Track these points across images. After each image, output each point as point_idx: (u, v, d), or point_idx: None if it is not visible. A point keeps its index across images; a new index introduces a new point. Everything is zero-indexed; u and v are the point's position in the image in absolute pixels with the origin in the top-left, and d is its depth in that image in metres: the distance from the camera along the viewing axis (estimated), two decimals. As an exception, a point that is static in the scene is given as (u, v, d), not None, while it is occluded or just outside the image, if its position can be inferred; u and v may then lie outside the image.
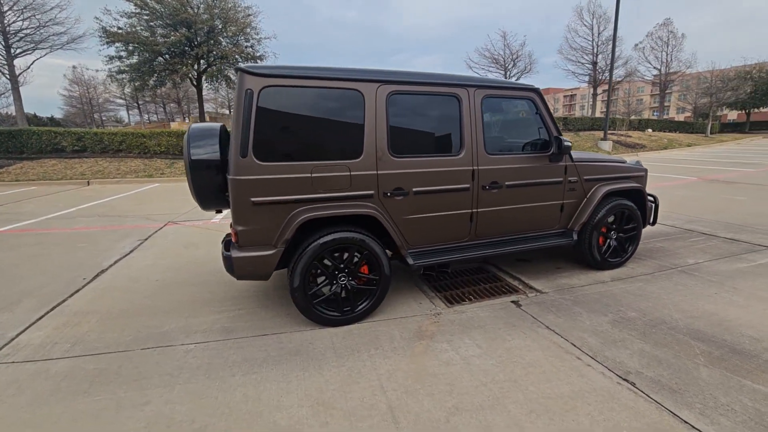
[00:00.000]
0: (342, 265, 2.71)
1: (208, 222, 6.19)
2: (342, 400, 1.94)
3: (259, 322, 2.81)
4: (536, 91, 3.24)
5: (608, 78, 15.92)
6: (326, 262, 2.68)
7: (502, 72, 24.76)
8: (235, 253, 2.51)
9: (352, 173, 2.65)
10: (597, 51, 25.36)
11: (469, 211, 3.08)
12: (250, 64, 2.43)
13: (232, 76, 18.21)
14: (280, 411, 1.88)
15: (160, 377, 2.16)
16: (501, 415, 1.82)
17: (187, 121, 44.41)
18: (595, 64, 25.34)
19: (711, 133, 29.87)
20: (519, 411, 1.84)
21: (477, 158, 3.00)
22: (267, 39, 18.35)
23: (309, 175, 2.56)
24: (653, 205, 3.89)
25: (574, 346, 2.41)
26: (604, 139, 17.24)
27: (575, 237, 3.47)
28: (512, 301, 3.12)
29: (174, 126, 35.81)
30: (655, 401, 1.86)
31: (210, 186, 2.89)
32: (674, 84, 32.08)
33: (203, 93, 19.32)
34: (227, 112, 43.67)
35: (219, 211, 3.56)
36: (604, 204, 3.53)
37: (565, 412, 1.82)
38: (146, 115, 51.01)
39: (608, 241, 3.68)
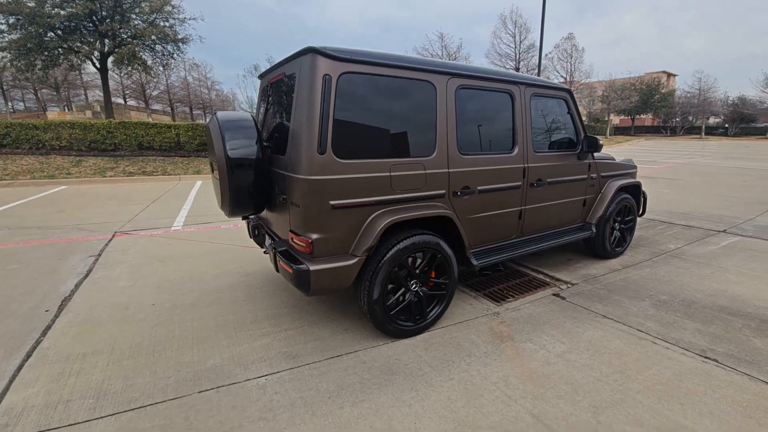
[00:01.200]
0: (417, 271, 2.57)
1: (168, 231, 5.37)
2: (481, 416, 1.85)
3: (320, 342, 2.53)
4: (569, 91, 3.46)
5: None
6: (401, 268, 2.52)
7: None
8: (314, 266, 2.21)
9: (426, 171, 2.53)
10: (519, 58, 28.12)
11: (519, 208, 3.16)
12: (322, 45, 2.09)
13: (149, 59, 15.99)
14: (423, 439, 1.71)
15: (254, 424, 1.80)
16: (637, 406, 1.91)
17: (68, 110, 37.41)
18: (517, 69, 28.02)
19: (608, 135, 35.65)
20: (649, 400, 1.95)
21: (527, 156, 3.10)
22: (192, 20, 16.50)
23: (388, 174, 2.37)
24: (644, 198, 4.46)
25: (640, 331, 2.64)
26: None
27: (594, 230, 3.80)
28: (553, 294, 3.29)
29: (51, 116, 30.05)
30: (745, 374, 2.14)
31: (250, 188, 2.52)
32: (577, 92, 37.27)
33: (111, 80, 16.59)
34: (122, 101, 38.17)
35: (247, 218, 3.12)
36: (615, 198, 3.93)
37: (685, 394, 1.98)
38: (10, 103, 41.69)
39: (614, 232, 4.11)
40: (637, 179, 4.37)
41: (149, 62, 16.37)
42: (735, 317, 2.79)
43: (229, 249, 4.53)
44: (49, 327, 2.71)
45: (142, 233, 5.23)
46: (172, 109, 41.73)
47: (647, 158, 16.73)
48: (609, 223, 3.92)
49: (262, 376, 2.16)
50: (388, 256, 2.37)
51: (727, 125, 46.61)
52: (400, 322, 2.54)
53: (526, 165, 3.09)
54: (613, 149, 23.69)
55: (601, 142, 3.46)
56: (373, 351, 2.43)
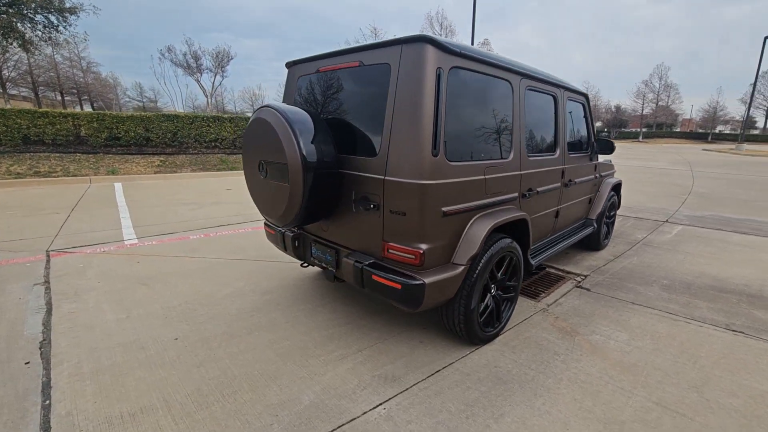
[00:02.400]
0: (499, 275, 2.60)
1: (124, 246, 4.52)
2: (616, 412, 1.96)
3: (407, 359, 2.40)
4: (586, 95, 3.83)
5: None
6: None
7: None
8: (428, 279, 2.07)
9: (506, 174, 2.57)
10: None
11: (557, 208, 3.41)
12: (423, 34, 1.90)
13: (27, 32, 13.04)
14: (583, 443, 1.76)
15: (413, 460, 1.63)
16: (721, 380, 2.22)
17: None
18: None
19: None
20: (725, 373, 2.28)
21: (564, 157, 3.35)
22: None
23: (483, 177, 2.35)
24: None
25: (669, 313, 3.06)
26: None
27: (595, 225, 4.27)
28: (577, 287, 3.63)
29: None
30: (770, 340, 2.64)
31: (324, 194, 2.28)
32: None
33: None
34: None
35: (296, 229, 2.79)
36: (609, 196, 4.47)
37: (744, 364, 2.37)
38: None
39: (604, 226, 4.68)
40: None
41: (28, 35, 13.30)
42: (728, 294, 3.42)
43: (222, 264, 3.98)
44: (47, 385, 2.07)
45: (87, 250, 4.29)
46: (36, 95, 34.34)
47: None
48: (603, 218, 4.45)
49: (378, 406, 1.97)
50: (484, 262, 2.35)
51: (606, 129, 56.26)
52: (486, 329, 2.54)
53: (563, 166, 3.34)
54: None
55: (613, 143, 3.91)
56: (466, 361, 2.39)
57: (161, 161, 11.29)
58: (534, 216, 2.98)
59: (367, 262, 2.26)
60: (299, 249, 2.87)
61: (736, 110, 58.86)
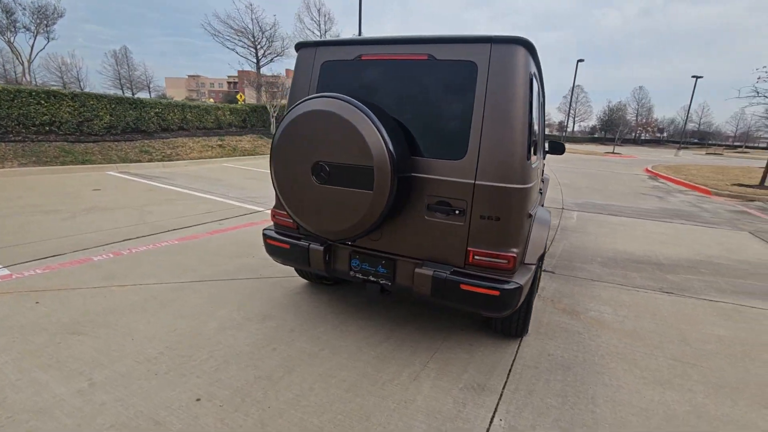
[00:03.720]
0: None
1: (11, 276, 3.16)
2: (659, 373, 2.40)
3: (473, 364, 2.41)
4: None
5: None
6: None
7: (253, 48, 23.83)
8: (521, 280, 2.10)
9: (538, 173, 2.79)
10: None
11: (539, 202, 3.86)
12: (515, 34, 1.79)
13: None
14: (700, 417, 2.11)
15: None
16: (706, 331, 2.93)
17: None
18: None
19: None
20: (704, 326, 3.02)
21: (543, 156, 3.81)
22: None
23: (538, 178, 2.50)
24: None
25: (622, 285, 3.85)
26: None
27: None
28: (544, 271, 4.22)
29: None
30: (701, 298, 3.60)
31: (402, 203, 2.12)
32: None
33: None
34: None
35: (351, 241, 2.44)
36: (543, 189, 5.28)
37: (705, 318, 3.18)
38: None
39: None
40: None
41: None
42: (643, 264, 4.48)
43: (174, 289, 3.18)
44: None
45: None
46: None
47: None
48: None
49: (493, 419, 1.94)
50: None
51: None
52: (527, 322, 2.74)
53: (543, 164, 3.79)
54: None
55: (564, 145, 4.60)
56: (524, 355, 2.54)
57: (-37, 152, 8.04)
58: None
59: (449, 272, 2.16)
60: (329, 264, 2.53)
61: (555, 116, 75.98)
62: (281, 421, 1.85)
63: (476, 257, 2.14)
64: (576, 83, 35.01)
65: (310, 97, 2.07)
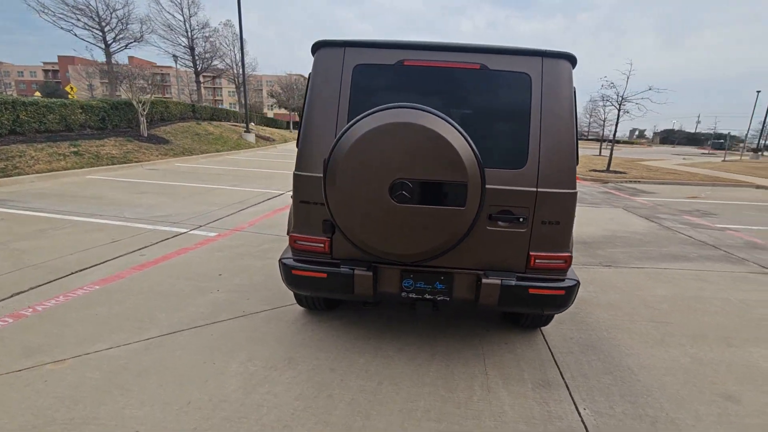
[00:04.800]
0: None
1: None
2: (669, 337, 2.92)
3: (523, 362, 2.56)
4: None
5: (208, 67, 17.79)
6: None
7: (98, 31, 19.17)
8: (575, 276, 2.30)
9: None
10: (192, 36, 26.23)
11: None
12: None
13: None
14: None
15: None
16: (666, 294, 3.64)
17: None
18: (192, 49, 26.14)
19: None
20: (662, 289, 3.75)
21: None
22: None
23: None
24: None
25: (592, 265, 4.54)
26: (248, 131, 19.42)
27: None
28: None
29: None
30: (635, 267, 4.46)
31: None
32: (250, 83, 40.04)
33: None
34: None
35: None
36: None
37: (659, 282, 3.96)
38: None
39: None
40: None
41: None
42: (575, 244, 5.34)
43: (155, 347, 2.50)
44: None
45: None
46: None
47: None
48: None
49: (577, 410, 2.09)
50: None
51: None
52: None
53: None
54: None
55: None
56: (554, 344, 2.79)
57: None
58: None
59: (515, 279, 2.22)
60: (375, 286, 2.33)
61: None
62: (405, 477, 1.65)
63: (537, 261, 2.25)
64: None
65: (380, 108, 1.86)
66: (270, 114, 60.55)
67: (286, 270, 2.36)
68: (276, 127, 40.95)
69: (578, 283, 2.30)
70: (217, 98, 79.50)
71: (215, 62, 29.17)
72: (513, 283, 2.21)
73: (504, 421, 2.00)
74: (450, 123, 1.83)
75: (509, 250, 2.25)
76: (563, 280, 2.28)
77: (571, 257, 2.30)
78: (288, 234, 2.46)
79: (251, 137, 19.61)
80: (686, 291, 3.82)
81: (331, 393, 2.16)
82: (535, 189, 2.16)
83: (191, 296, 3.26)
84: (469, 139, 1.84)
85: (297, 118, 65.06)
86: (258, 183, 9.44)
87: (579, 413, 2.08)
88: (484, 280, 2.22)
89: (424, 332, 2.85)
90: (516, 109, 2.16)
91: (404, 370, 2.40)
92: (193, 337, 2.66)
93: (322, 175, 2.09)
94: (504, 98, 2.19)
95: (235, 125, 23.64)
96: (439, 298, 2.34)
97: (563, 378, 2.39)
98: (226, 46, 33.31)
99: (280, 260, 2.42)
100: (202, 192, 7.94)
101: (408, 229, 1.97)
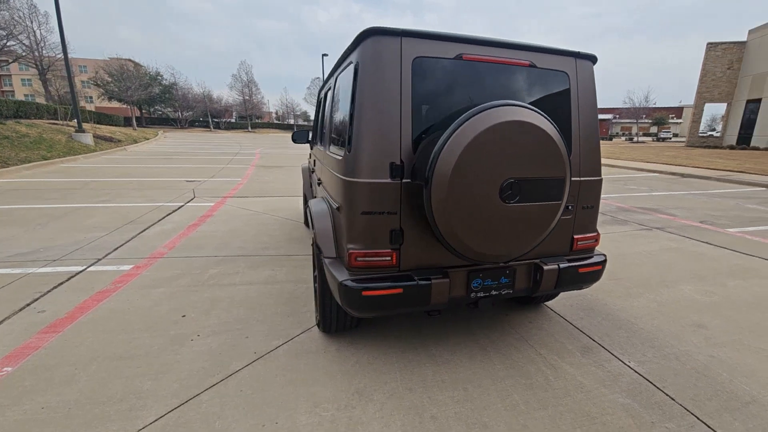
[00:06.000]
0: None
1: None
2: (674, 306, 3.60)
3: (564, 350, 2.87)
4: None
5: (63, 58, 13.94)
6: None
7: None
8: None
9: None
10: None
11: None
12: None
13: None
14: (645, 309, 3.27)
15: (687, 364, 2.44)
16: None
17: None
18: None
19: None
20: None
21: None
22: None
23: None
24: None
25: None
26: (80, 131, 15.42)
27: None
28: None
29: None
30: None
31: None
32: (57, 68, 31.35)
33: None
34: None
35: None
36: None
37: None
38: None
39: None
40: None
41: None
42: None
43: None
44: None
45: None
46: None
47: (209, 150, 19.22)
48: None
49: (628, 366, 2.47)
50: None
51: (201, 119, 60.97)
52: None
53: None
54: (150, 146, 24.18)
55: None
56: (569, 315, 3.19)
57: None
58: None
59: (565, 262, 2.46)
60: (452, 292, 2.28)
61: (305, 106, 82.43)
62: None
63: (579, 242, 2.54)
64: (317, 77, 39.21)
65: (490, 105, 1.79)
66: (90, 107, 49.45)
67: (355, 293, 2.07)
68: (112, 124, 33.92)
69: (606, 256, 2.68)
70: (5, 88, 61.07)
71: (11, 42, 22.10)
72: (567, 265, 2.44)
73: (588, 390, 2.23)
74: (548, 119, 1.89)
75: (560, 236, 2.47)
76: (595, 255, 2.63)
77: (599, 234, 2.66)
78: (347, 250, 2.15)
79: (87, 138, 15.66)
80: (610, 250, 4.79)
81: (433, 414, 2.03)
82: (579, 178, 2.42)
83: (168, 351, 2.55)
84: (560, 133, 1.95)
85: (139, 113, 55.09)
86: (135, 196, 7.76)
87: (630, 367, 2.46)
88: (545, 267, 2.39)
89: (453, 330, 2.89)
90: (561, 105, 2.36)
91: (475, 371, 2.41)
92: (219, 400, 2.11)
93: (397, 180, 1.99)
94: (550, 95, 2.36)
95: (55, 123, 18.67)
96: (503, 292, 2.41)
97: (594, 340, 2.76)
98: (19, 19, 25.75)
99: (340, 283, 2.11)
100: (62, 214, 6.11)
101: (513, 228, 1.98)
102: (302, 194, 6.24)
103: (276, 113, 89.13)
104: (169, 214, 6.37)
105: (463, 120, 1.77)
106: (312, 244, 3.00)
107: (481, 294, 2.36)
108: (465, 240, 1.92)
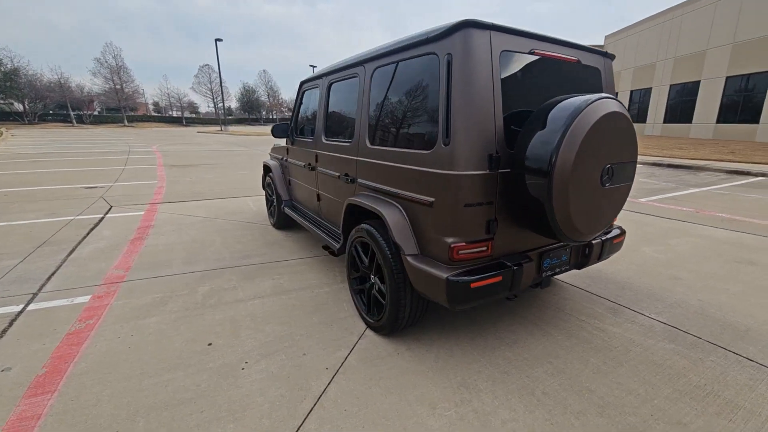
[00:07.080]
0: None
1: None
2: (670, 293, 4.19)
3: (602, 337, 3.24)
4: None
5: None
6: None
7: None
8: None
9: None
10: None
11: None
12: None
13: None
14: (628, 270, 3.88)
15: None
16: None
17: None
18: None
19: None
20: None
21: None
22: None
23: None
24: None
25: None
26: None
27: None
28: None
29: None
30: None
31: None
32: None
33: None
34: None
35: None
36: None
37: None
38: None
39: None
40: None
41: None
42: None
43: None
44: None
45: None
46: None
47: (104, 148, 16.17)
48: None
49: (659, 321, 2.93)
50: None
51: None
52: None
53: None
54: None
55: None
56: (587, 298, 3.61)
57: None
58: None
59: (604, 235, 2.79)
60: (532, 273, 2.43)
61: (194, 96, 72.94)
62: None
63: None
64: (206, 63, 35.45)
65: (594, 98, 1.93)
66: None
67: (463, 287, 2.07)
68: None
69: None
70: None
71: None
72: (606, 238, 2.78)
73: (639, 343, 2.59)
74: (622, 104, 2.13)
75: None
76: (615, 228, 3.04)
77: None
78: (449, 244, 2.12)
79: None
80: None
81: (543, 390, 2.15)
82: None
83: (224, 386, 2.20)
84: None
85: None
86: (27, 210, 6.20)
87: (654, 319, 2.92)
88: (594, 242, 2.69)
89: (489, 316, 3.06)
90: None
91: (544, 345, 2.59)
92: (330, 426, 1.92)
93: (494, 170, 2.07)
94: (591, 89, 2.62)
95: None
96: (564, 269, 2.64)
97: (614, 302, 3.20)
98: None
99: (446, 279, 2.08)
100: (-71, 244, 4.60)
101: (606, 208, 2.19)
102: (265, 194, 5.75)
103: (155, 104, 78.25)
104: (92, 229, 5.27)
105: (576, 113, 1.89)
106: (350, 243, 2.88)
107: (549, 273, 2.55)
108: (575, 222, 2.06)
